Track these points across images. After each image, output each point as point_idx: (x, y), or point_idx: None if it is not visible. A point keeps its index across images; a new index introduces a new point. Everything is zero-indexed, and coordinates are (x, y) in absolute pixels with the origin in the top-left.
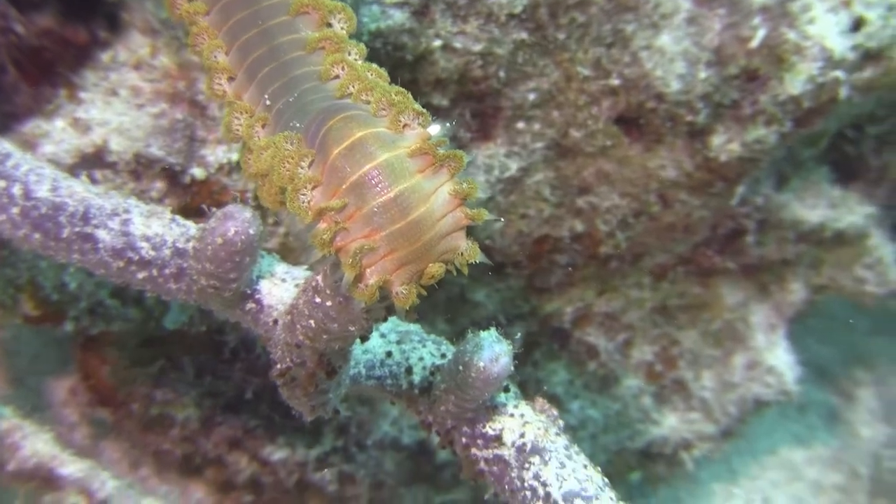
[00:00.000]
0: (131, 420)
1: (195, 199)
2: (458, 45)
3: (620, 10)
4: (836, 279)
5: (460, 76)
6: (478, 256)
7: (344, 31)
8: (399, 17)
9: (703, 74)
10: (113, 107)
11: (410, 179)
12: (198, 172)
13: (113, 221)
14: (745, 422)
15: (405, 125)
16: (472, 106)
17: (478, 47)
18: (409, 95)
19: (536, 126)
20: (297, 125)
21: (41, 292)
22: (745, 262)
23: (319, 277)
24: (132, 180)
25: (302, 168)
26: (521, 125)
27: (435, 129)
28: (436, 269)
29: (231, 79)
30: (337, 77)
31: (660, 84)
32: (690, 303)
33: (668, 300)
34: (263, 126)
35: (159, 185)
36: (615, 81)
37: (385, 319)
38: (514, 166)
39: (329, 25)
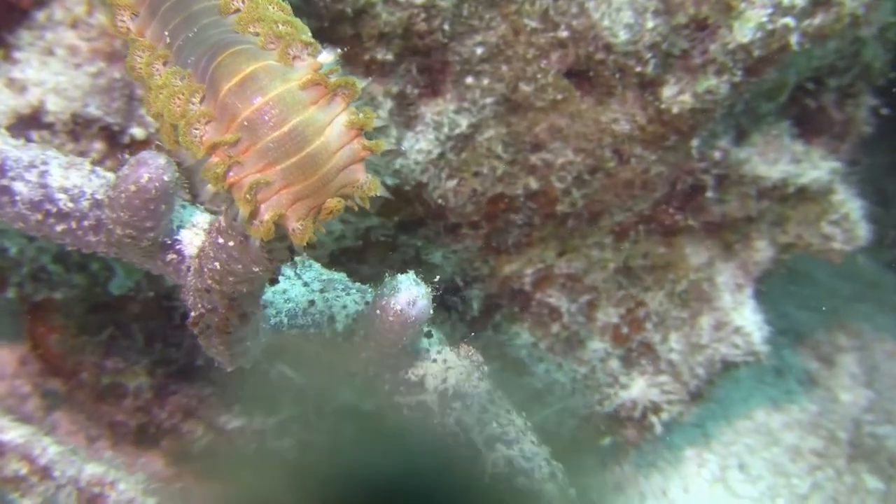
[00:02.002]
0: (83, 390)
1: None
2: None
3: None
4: (803, 236)
5: (404, 30)
6: (378, 190)
7: None
8: None
9: (650, 24)
10: (49, 66)
11: (304, 112)
12: (137, 132)
13: (30, 173)
14: (715, 384)
15: (295, 57)
16: (418, 61)
17: (420, 0)
18: (299, 25)
19: (485, 81)
20: (191, 60)
21: None
22: (708, 220)
23: (222, 218)
24: (70, 141)
25: (193, 104)
26: (469, 80)
27: (325, 58)
28: (334, 204)
29: (135, 15)
30: (237, 11)
31: (608, 35)
32: (654, 263)
33: (631, 261)
34: (164, 64)
35: (98, 146)
36: (563, 33)
37: (290, 259)
38: (464, 123)
39: None
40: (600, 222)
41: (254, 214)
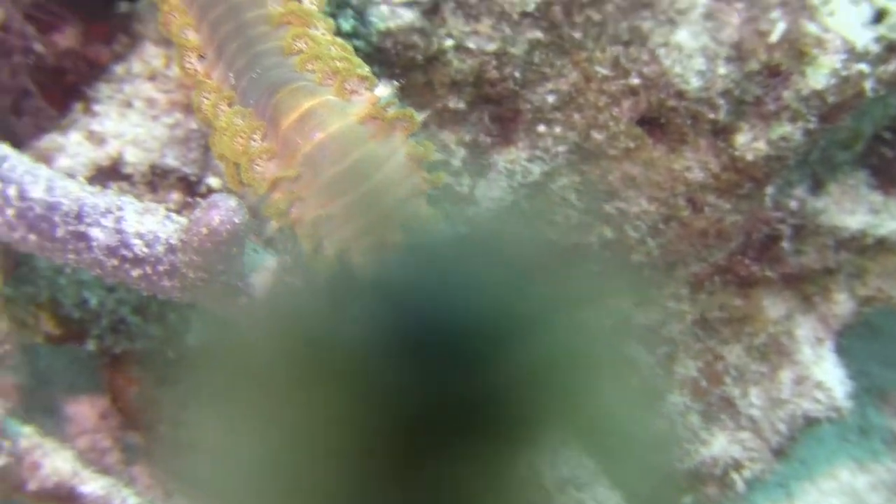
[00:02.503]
0: (161, 444)
1: None
2: (471, 45)
3: (636, 7)
4: (884, 289)
5: (476, 78)
6: (439, 222)
7: (314, 7)
8: (409, 16)
9: (723, 70)
10: (128, 118)
11: (363, 146)
12: (214, 182)
13: (107, 219)
14: (797, 441)
15: (352, 91)
16: (490, 109)
17: (492, 47)
18: (355, 61)
19: (558, 129)
20: (253, 101)
21: (61, 310)
22: (785, 272)
23: (288, 256)
24: (148, 192)
25: (254, 141)
26: (541, 128)
27: (382, 91)
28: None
29: (202, 57)
30: (300, 51)
31: (679, 81)
32: (732, 315)
33: (708, 312)
34: (229, 104)
35: (175, 196)
36: (635, 80)
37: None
38: (537, 171)
39: (299, 0)
40: (676, 272)
41: (317, 250)
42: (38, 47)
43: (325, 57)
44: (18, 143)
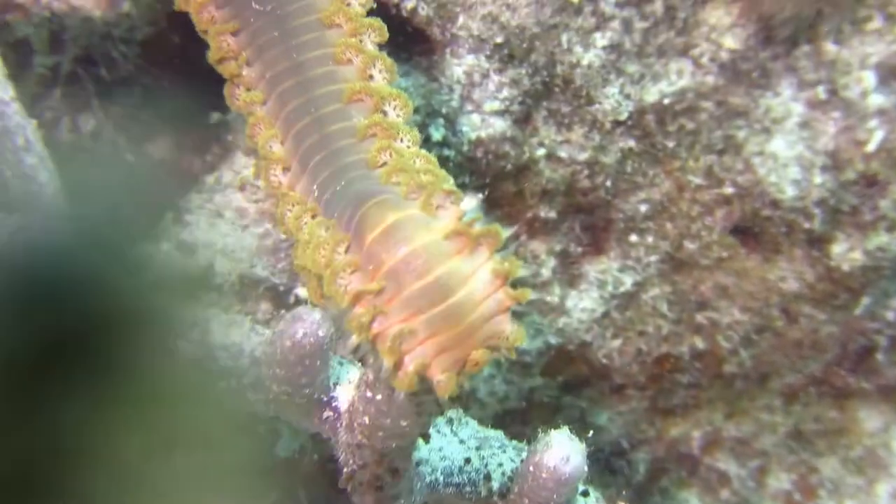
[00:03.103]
0: None
1: None
2: (563, 154)
3: (731, 116)
4: None
5: (567, 187)
6: (524, 341)
7: (399, 119)
8: (500, 125)
9: (818, 179)
10: (218, 228)
11: (448, 262)
12: (302, 292)
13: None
14: None
15: (438, 206)
16: (581, 218)
17: (584, 156)
18: (440, 174)
19: (650, 238)
20: (337, 214)
21: None
22: (882, 383)
23: (370, 371)
24: (238, 302)
25: (338, 254)
26: (633, 238)
27: (468, 205)
28: (480, 356)
29: (287, 169)
30: (384, 164)
31: (774, 191)
32: (827, 427)
33: (802, 424)
34: (313, 217)
35: (265, 306)
36: (728, 189)
37: (439, 413)
38: (628, 281)
39: (384, 113)
40: (769, 384)
41: (398, 366)
42: (130, 157)
43: (410, 170)
44: None
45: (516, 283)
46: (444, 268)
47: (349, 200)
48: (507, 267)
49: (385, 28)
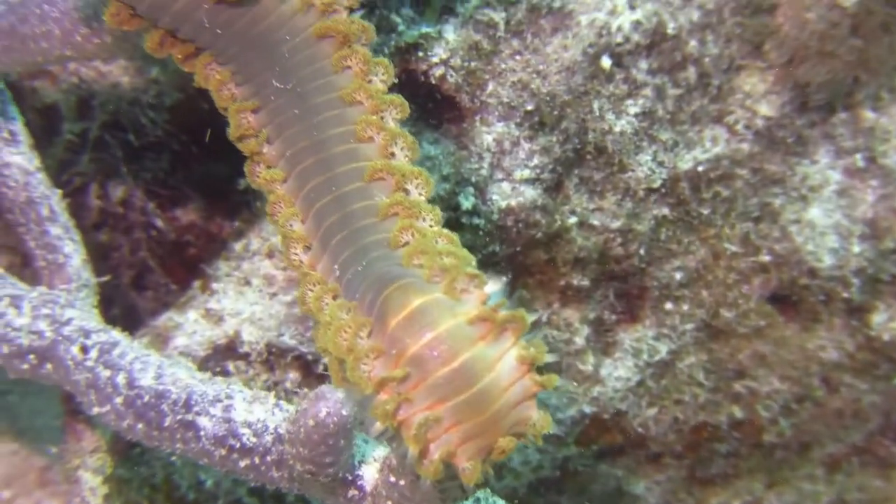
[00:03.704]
0: None
1: None
2: (595, 221)
3: (767, 183)
4: None
5: (600, 254)
6: (551, 427)
7: (421, 197)
8: (531, 193)
9: (857, 248)
10: (245, 296)
11: (473, 347)
12: None
13: (215, 408)
14: None
15: (462, 290)
16: (615, 286)
17: (617, 224)
18: (463, 256)
19: (685, 306)
20: (358, 295)
21: (177, 492)
22: None
23: (393, 455)
24: (265, 371)
25: (360, 338)
26: (669, 306)
27: (492, 288)
28: (506, 443)
29: (308, 248)
30: (406, 244)
31: (812, 259)
32: (871, 497)
33: (846, 494)
34: (334, 297)
35: (293, 376)
36: (765, 257)
37: (464, 498)
38: (664, 349)
39: (405, 191)
40: (810, 453)
41: (423, 453)
42: (159, 223)
43: (433, 252)
44: (138, 319)
45: (542, 369)
46: (469, 354)
47: (371, 282)
48: (534, 353)
49: (406, 105)
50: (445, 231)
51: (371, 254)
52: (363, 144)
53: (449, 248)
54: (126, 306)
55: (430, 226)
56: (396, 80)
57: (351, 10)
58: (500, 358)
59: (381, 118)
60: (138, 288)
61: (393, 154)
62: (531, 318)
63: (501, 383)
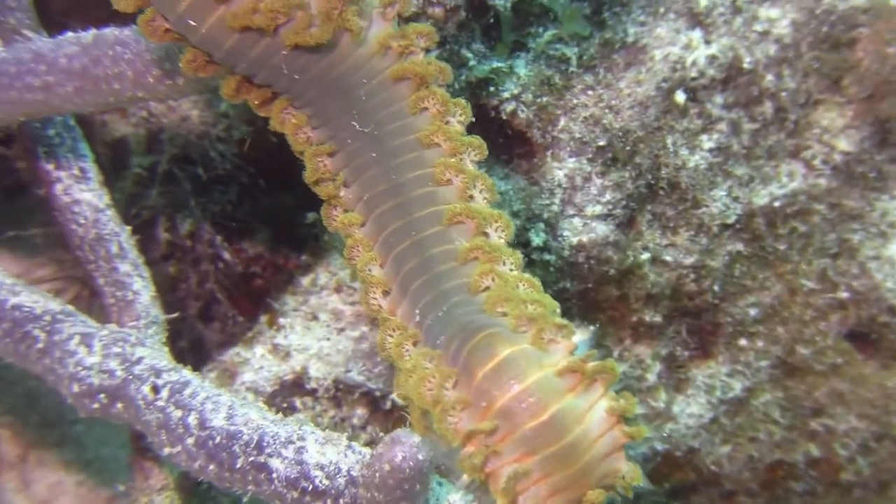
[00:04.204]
0: None
1: (397, 425)
2: (668, 257)
3: (845, 219)
4: None
5: (673, 291)
6: (640, 480)
7: (501, 240)
8: (602, 229)
9: None
10: (313, 331)
11: (562, 399)
12: (399, 399)
13: (287, 449)
14: None
15: (549, 340)
16: (688, 322)
17: (690, 260)
18: (548, 303)
19: (760, 343)
20: (441, 341)
21: None
22: None
23: None
24: (333, 407)
25: (446, 390)
26: (743, 342)
27: (579, 338)
28: (595, 496)
29: (386, 292)
30: (487, 289)
31: (892, 296)
32: None
33: None
34: (414, 343)
35: (360, 412)
36: (843, 294)
37: None
38: (738, 386)
39: (485, 235)
40: (890, 492)
41: None
42: (227, 256)
43: (516, 299)
44: (205, 351)
45: (630, 420)
46: (559, 406)
47: (455, 331)
48: (624, 404)
49: (485, 146)
50: (526, 275)
51: (452, 299)
52: (441, 187)
53: (533, 295)
54: (193, 338)
55: (511, 269)
56: (473, 119)
57: (427, 51)
58: (590, 409)
59: (460, 160)
60: (205, 320)
61: (472, 197)
62: (620, 367)
63: (591, 435)
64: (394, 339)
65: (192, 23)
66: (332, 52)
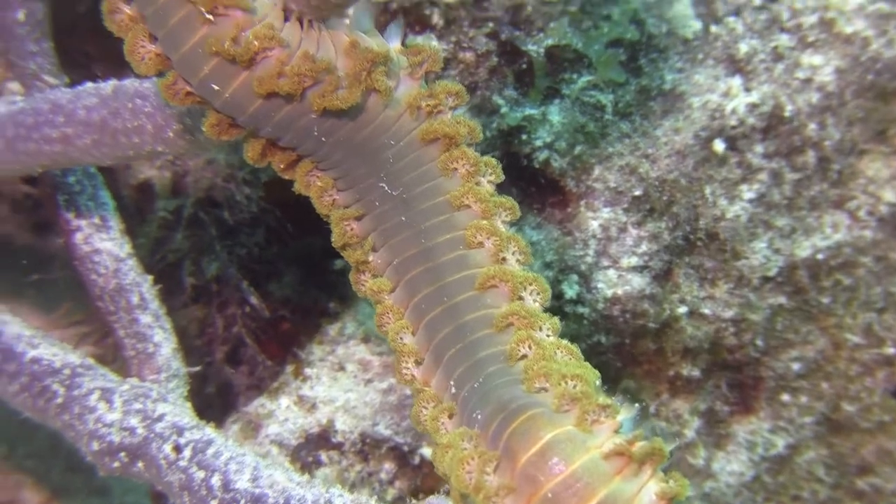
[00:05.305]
0: None
1: (426, 481)
2: (706, 311)
3: (891, 272)
4: None
5: (712, 344)
6: None
7: (537, 304)
8: (638, 281)
9: None
10: (339, 383)
11: (610, 483)
12: (427, 453)
13: None
14: None
15: (593, 421)
16: (728, 376)
17: (729, 313)
18: (590, 379)
19: (803, 398)
20: (479, 417)
21: None
22: None
23: None
24: (359, 461)
25: (488, 475)
26: (786, 397)
27: (624, 416)
28: None
29: (419, 362)
30: (524, 357)
31: None
32: None
33: None
34: (450, 416)
35: (388, 466)
36: (890, 349)
37: None
38: (780, 443)
39: (520, 299)
40: None
41: None
42: (253, 300)
43: (556, 374)
44: (233, 397)
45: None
46: (607, 490)
47: (494, 409)
48: (675, 488)
49: (517, 207)
50: (564, 342)
51: (488, 368)
52: (473, 250)
53: (573, 367)
54: (221, 383)
55: (548, 335)
56: (503, 179)
57: (454, 108)
58: (639, 493)
59: (492, 222)
60: (233, 363)
61: (505, 259)
62: (669, 446)
63: None
64: (429, 413)
65: (216, 87)
66: (359, 114)
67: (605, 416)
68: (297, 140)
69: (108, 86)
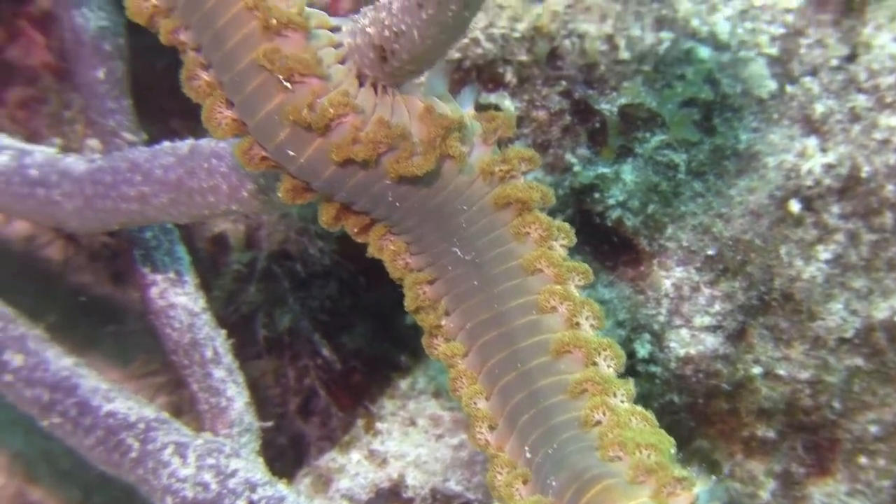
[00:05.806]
0: None
1: None
2: (781, 371)
3: None
4: None
5: (787, 405)
6: None
7: (611, 370)
8: (711, 341)
9: None
10: (410, 438)
11: None
12: None
13: None
14: None
15: (669, 493)
16: (803, 438)
17: (805, 374)
18: (665, 448)
19: (881, 461)
20: (553, 484)
21: None
22: None
23: None
24: None
25: None
26: (863, 460)
27: (701, 489)
28: None
29: (493, 427)
30: (598, 423)
31: None
32: None
33: None
34: (524, 482)
35: None
36: None
37: None
38: None
39: (594, 364)
40: None
41: None
42: (325, 352)
43: (631, 443)
44: (305, 448)
45: None
46: None
47: (568, 478)
48: None
49: (591, 272)
50: (639, 409)
51: (562, 435)
52: (546, 315)
53: (648, 435)
54: (293, 435)
55: (622, 401)
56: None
57: (526, 173)
58: None
59: (565, 287)
60: (305, 415)
61: (578, 324)
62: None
63: None
64: (503, 479)
65: (291, 153)
66: (433, 180)
67: (682, 489)
68: (371, 205)
69: (185, 145)
